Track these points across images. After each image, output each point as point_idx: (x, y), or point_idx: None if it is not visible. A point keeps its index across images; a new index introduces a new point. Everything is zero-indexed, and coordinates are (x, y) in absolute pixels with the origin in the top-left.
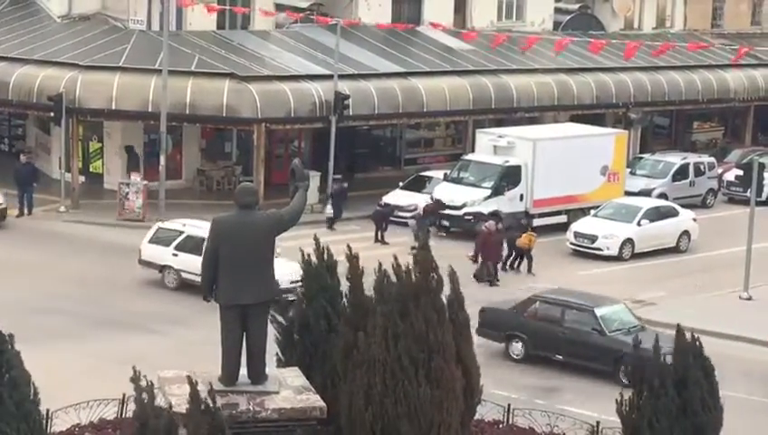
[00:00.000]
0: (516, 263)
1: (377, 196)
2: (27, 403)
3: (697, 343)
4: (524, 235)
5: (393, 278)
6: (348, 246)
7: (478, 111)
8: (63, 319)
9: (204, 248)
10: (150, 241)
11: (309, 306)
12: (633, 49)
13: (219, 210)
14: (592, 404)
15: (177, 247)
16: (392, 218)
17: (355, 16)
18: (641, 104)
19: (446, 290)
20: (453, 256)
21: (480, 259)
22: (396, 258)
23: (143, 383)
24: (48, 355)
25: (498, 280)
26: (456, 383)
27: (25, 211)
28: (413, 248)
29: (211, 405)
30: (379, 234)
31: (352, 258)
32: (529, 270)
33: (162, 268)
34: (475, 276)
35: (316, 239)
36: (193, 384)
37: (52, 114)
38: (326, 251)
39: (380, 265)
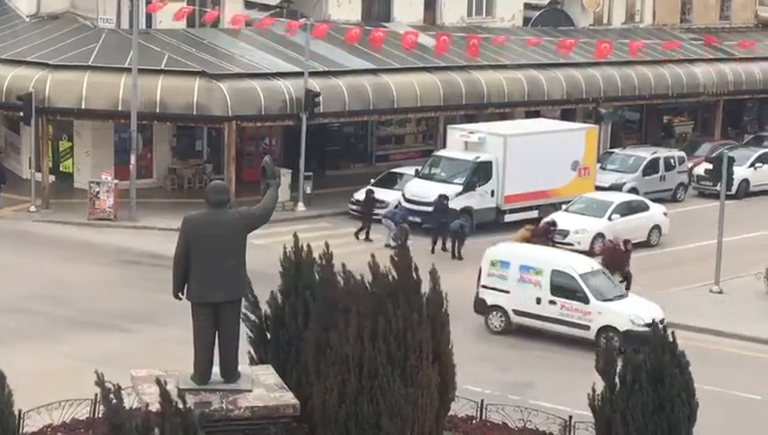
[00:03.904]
0: None
1: (348, 193)
2: (1, 404)
3: (671, 337)
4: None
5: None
6: (326, 243)
7: (449, 107)
8: (35, 319)
9: (175, 246)
10: None
11: (285, 302)
12: (605, 50)
13: (190, 209)
14: (565, 398)
15: None
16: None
17: (325, 14)
18: (611, 99)
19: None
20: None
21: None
22: (373, 257)
23: (108, 386)
24: (20, 355)
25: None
26: (431, 381)
27: None
28: (386, 246)
29: (181, 405)
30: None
31: (327, 255)
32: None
33: None
34: None
35: (295, 236)
36: (162, 384)
37: (21, 114)
38: (307, 248)
39: (344, 265)
